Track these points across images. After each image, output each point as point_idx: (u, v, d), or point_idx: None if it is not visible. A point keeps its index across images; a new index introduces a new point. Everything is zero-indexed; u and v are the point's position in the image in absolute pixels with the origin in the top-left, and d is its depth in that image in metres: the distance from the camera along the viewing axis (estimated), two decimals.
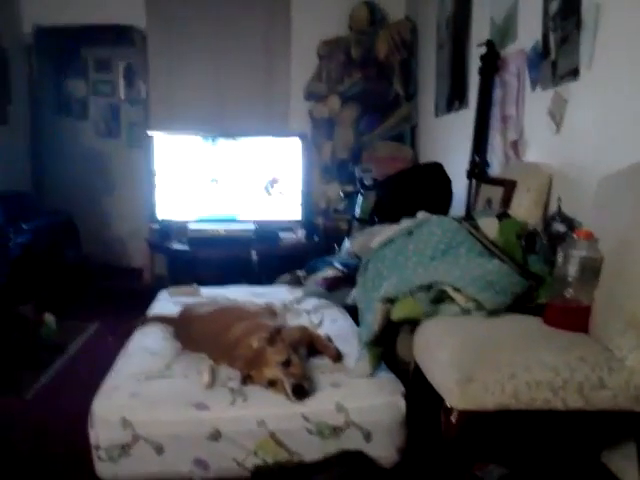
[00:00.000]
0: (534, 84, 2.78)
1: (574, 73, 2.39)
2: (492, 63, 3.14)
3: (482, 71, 3.18)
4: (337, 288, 3.17)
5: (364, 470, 1.90)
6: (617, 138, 2.15)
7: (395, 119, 4.98)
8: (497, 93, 3.19)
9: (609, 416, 1.58)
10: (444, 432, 1.62)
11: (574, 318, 1.75)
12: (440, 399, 1.64)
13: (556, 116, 2.55)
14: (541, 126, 2.69)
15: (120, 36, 5.08)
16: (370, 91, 4.92)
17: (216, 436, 1.93)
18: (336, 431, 1.96)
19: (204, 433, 1.93)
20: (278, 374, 2.03)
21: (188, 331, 2.54)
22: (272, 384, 2.05)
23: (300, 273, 3.64)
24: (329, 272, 3.38)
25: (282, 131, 4.87)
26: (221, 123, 4.76)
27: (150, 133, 4.66)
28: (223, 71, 4.89)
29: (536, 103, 2.76)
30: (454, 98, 3.96)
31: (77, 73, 5.71)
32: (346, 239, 3.87)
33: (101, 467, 1.95)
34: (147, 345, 2.51)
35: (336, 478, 1.83)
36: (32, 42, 5.00)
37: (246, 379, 2.10)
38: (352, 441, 1.97)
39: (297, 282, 3.56)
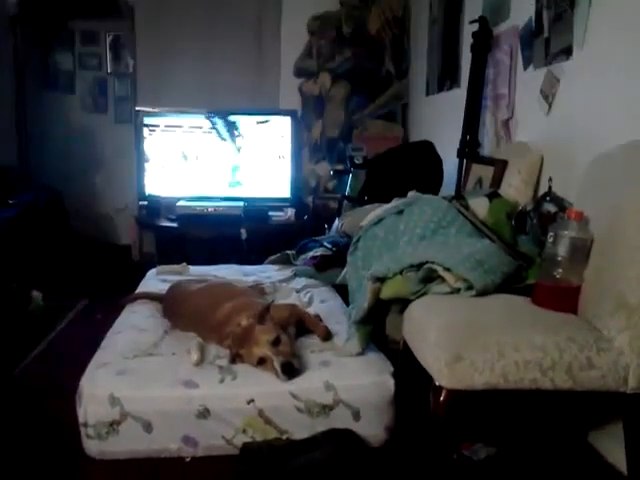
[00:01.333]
0: (527, 63, 2.75)
1: (567, 52, 2.37)
2: (484, 41, 3.10)
3: (474, 49, 3.15)
4: (327, 268, 3.17)
5: (352, 448, 1.91)
6: (609, 118, 2.14)
7: (386, 97, 4.95)
8: (489, 72, 3.16)
9: (596, 396, 1.59)
10: (433, 411, 1.62)
11: (563, 298, 1.75)
12: (429, 378, 1.65)
13: (548, 96, 2.53)
14: (533, 106, 2.67)
15: (107, 7, 4.97)
16: (361, 68, 4.88)
17: (205, 414, 1.93)
18: (325, 409, 1.97)
19: (193, 411, 1.93)
20: (267, 352, 2.03)
21: (177, 309, 2.53)
22: (261, 362, 2.05)
23: (290, 252, 3.62)
24: (319, 252, 3.37)
25: (272, 109, 4.81)
26: (210, 99, 4.70)
27: (138, 108, 4.60)
28: (212, 46, 4.80)
29: (528, 82, 2.74)
30: (446, 77, 3.92)
31: (63, 45, 5.59)
32: (336, 219, 3.85)
33: (89, 444, 1.94)
34: (135, 323, 2.49)
35: (324, 456, 1.83)
36: (17, 12, 4.88)
37: (235, 358, 2.10)
38: (341, 419, 1.97)
39: (287, 262, 3.55)
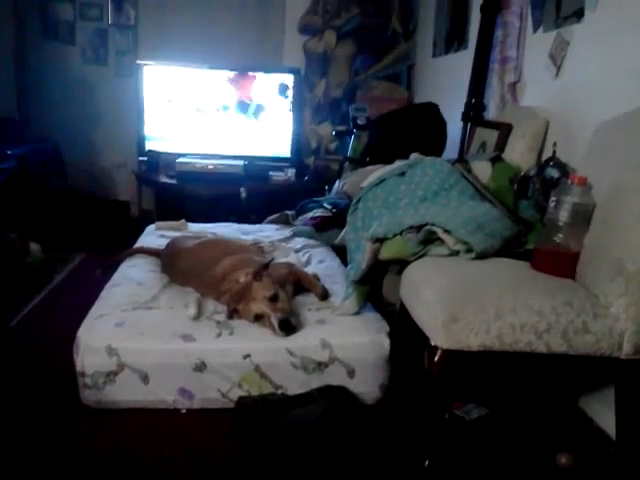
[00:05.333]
0: (536, 25, 2.70)
1: (578, 14, 2.32)
2: (495, 0, 3.03)
3: (484, 8, 3.08)
4: (326, 228, 3.16)
5: (346, 405, 1.93)
6: (618, 84, 2.11)
7: (392, 58, 4.86)
8: (497, 33, 3.10)
9: (590, 361, 1.60)
10: (427, 371, 1.64)
11: (562, 264, 1.75)
12: (424, 339, 1.66)
13: (557, 59, 2.49)
14: (541, 69, 2.63)
15: None
16: (367, 27, 4.77)
17: (201, 367, 1.95)
18: (320, 366, 1.99)
19: (190, 364, 1.95)
20: (265, 309, 2.04)
21: (175, 264, 2.53)
22: (258, 319, 2.06)
23: (289, 213, 3.61)
24: (318, 212, 3.36)
25: (275, 66, 4.73)
26: (212, 54, 4.61)
27: (139, 62, 4.53)
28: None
29: (537, 45, 2.69)
30: (453, 38, 3.85)
31: None
32: (337, 180, 3.82)
33: (86, 393, 1.97)
34: (134, 276, 2.50)
35: (318, 412, 1.85)
36: None
37: (232, 313, 2.11)
38: (336, 377, 2.00)
39: (286, 222, 3.54)
